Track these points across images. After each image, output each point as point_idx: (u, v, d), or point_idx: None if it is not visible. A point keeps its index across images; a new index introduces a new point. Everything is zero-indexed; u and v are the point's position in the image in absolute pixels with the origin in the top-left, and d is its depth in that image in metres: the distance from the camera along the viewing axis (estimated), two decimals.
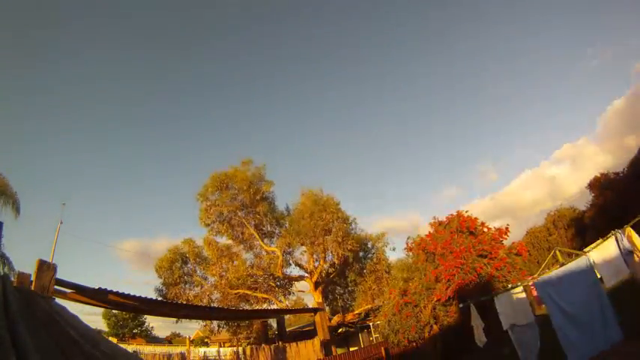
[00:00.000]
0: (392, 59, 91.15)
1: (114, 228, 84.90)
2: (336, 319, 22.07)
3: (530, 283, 6.94)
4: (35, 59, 74.71)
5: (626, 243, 5.53)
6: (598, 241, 6.18)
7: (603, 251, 5.70)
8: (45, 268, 3.68)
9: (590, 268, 5.66)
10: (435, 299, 11.23)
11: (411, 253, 14.44)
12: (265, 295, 22.27)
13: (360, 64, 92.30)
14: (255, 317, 19.66)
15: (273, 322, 22.93)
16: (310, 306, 22.00)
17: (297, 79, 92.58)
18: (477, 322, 7.46)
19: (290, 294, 24.36)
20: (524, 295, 6.76)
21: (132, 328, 39.62)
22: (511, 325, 6.61)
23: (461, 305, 7.56)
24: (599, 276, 5.62)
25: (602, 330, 5.33)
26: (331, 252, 21.43)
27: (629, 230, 5.64)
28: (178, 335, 42.08)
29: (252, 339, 25.37)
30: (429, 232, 13.14)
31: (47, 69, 75.89)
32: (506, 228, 12.27)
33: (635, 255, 5.42)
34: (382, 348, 13.36)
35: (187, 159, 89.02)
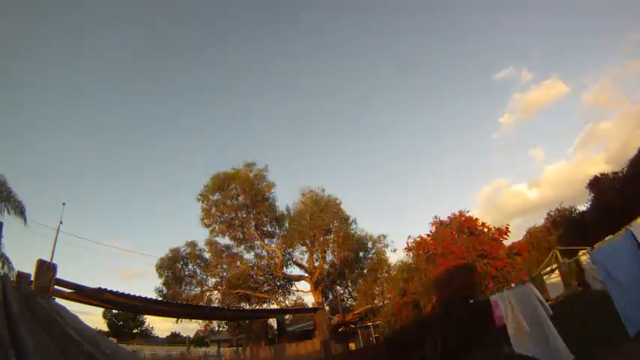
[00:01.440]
0: (394, 57, 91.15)
1: (113, 228, 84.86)
2: (335, 318, 22.06)
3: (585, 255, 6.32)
4: (35, 58, 74.82)
5: None
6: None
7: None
8: (45, 268, 3.68)
9: (633, 241, 5.46)
10: (435, 299, 11.22)
11: (411, 253, 14.42)
12: (265, 295, 22.29)
13: (361, 62, 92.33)
14: (255, 317, 19.68)
15: (273, 322, 22.94)
16: (310, 306, 22.00)
17: (297, 77, 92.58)
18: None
19: (290, 294, 24.42)
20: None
21: (132, 328, 39.61)
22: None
23: (471, 301, 7.51)
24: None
25: None
26: (331, 252, 21.48)
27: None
28: (178, 335, 42.02)
29: (252, 339, 25.40)
30: (430, 232, 13.12)
31: (46, 68, 75.98)
32: (506, 228, 12.27)
33: None
34: (382, 347, 13.35)
35: (186, 160, 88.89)
